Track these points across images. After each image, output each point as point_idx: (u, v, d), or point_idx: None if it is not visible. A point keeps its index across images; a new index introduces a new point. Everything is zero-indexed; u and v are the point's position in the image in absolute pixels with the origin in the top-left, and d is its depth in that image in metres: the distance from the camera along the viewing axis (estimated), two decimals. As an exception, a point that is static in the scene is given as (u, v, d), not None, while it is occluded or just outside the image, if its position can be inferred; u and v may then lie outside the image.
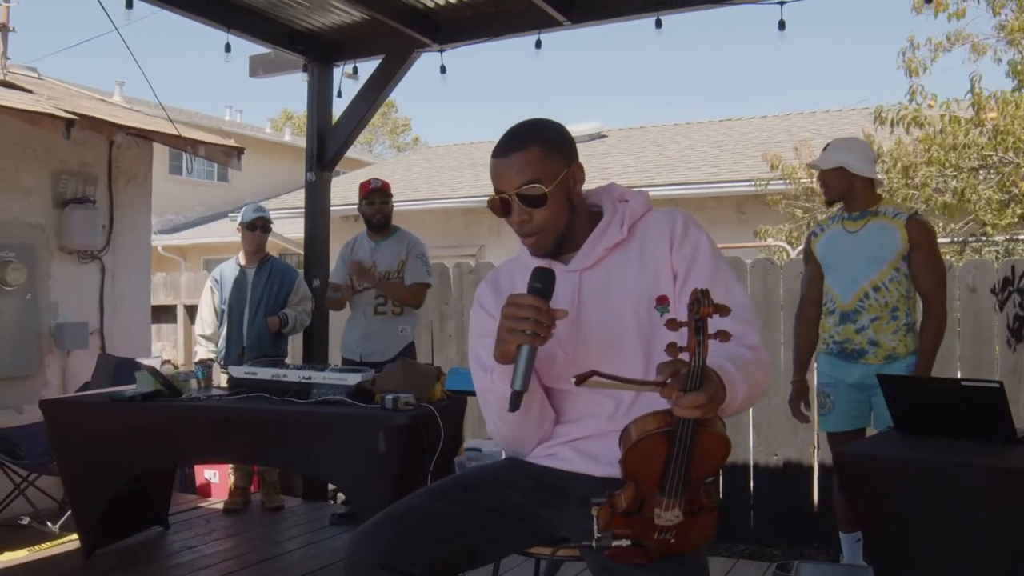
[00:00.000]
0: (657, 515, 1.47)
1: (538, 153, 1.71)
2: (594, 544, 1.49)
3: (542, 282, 1.58)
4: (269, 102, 55.64)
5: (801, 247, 7.30)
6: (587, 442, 1.74)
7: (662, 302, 1.54)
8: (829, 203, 3.41)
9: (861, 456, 2.46)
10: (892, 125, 5.99)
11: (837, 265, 3.35)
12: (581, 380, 1.44)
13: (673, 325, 1.39)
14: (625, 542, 1.48)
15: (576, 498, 1.65)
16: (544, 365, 1.75)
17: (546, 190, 1.70)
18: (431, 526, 1.70)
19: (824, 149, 3.43)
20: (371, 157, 23.81)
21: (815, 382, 3.51)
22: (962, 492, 2.20)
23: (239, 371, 3.83)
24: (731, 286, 1.69)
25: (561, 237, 1.77)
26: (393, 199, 4.68)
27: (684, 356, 1.36)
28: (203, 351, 4.92)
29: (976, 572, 2.19)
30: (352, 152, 21.79)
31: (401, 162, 16.10)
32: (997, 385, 2.44)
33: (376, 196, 4.57)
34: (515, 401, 1.53)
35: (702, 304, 1.35)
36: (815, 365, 3.57)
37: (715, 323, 1.36)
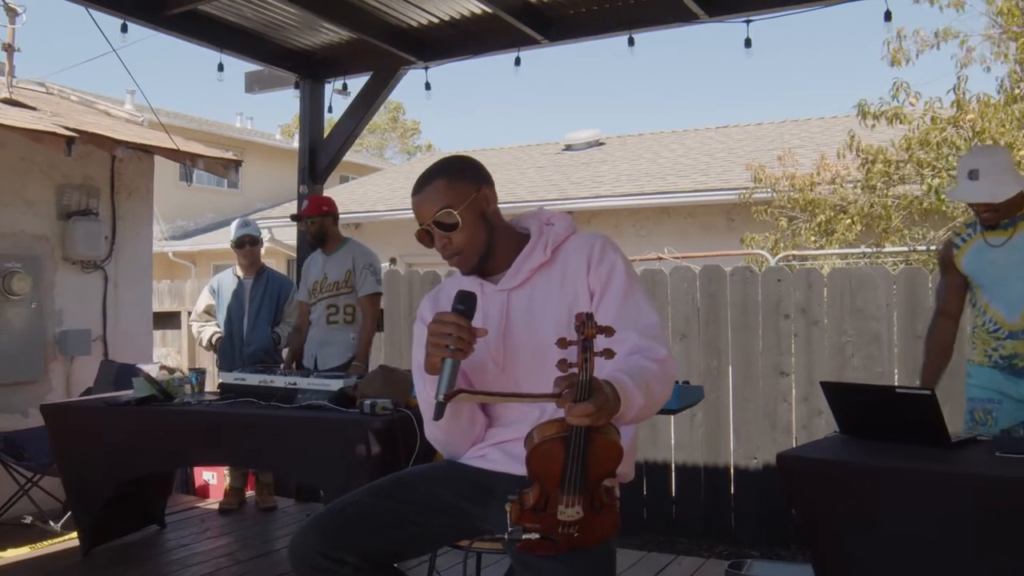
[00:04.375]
0: (560, 511, 1.63)
1: (444, 184, 1.93)
2: (507, 536, 1.66)
3: (464, 303, 1.77)
4: (279, 109, 56.05)
5: (781, 255, 7.44)
6: (513, 444, 1.90)
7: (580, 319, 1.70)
8: (994, 226, 3.16)
9: (801, 459, 2.55)
10: (875, 119, 6.10)
11: (994, 283, 3.16)
12: (448, 398, 1.64)
13: (563, 343, 1.56)
14: (534, 535, 1.65)
15: (501, 496, 1.81)
16: (476, 376, 1.94)
17: (456, 212, 1.90)
18: (367, 520, 1.88)
19: (972, 176, 3.11)
20: (380, 162, 24.02)
21: (966, 395, 3.26)
22: (894, 494, 2.30)
23: (229, 377, 4.01)
24: (642, 306, 1.86)
25: (483, 256, 1.96)
26: (327, 215, 4.74)
27: (574, 371, 1.53)
28: (209, 329, 5.12)
29: (909, 571, 2.29)
30: (360, 158, 21.98)
31: (403, 169, 16.29)
32: (929, 392, 2.53)
33: (304, 221, 4.78)
34: (439, 410, 1.71)
35: (587, 326, 1.53)
36: (967, 379, 3.32)
37: (601, 342, 1.53)
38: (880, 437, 2.60)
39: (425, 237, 1.96)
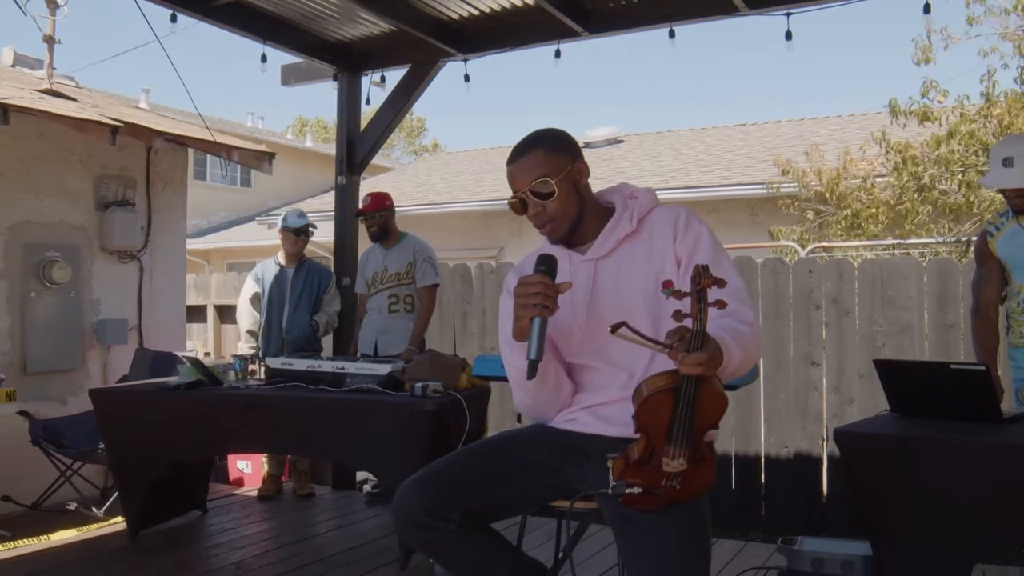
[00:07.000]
0: (665, 463, 1.69)
1: (542, 154, 2.00)
2: (610, 491, 1.72)
3: (546, 264, 1.85)
4: (287, 109, 56.09)
5: (810, 247, 7.51)
6: (603, 408, 1.98)
7: (667, 286, 1.76)
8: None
9: (857, 435, 2.60)
10: (905, 117, 6.17)
11: None
12: (614, 329, 1.68)
13: (678, 295, 1.62)
14: (637, 490, 1.71)
15: (595, 456, 1.87)
16: (564, 342, 2.01)
17: (553, 182, 1.97)
18: (466, 480, 1.95)
19: (1007, 163, 3.20)
20: (390, 162, 24.07)
21: (1010, 377, 3.36)
22: (950, 468, 2.35)
23: (276, 362, 4.06)
24: (728, 271, 1.92)
25: (574, 225, 2.03)
26: (388, 211, 4.95)
27: (687, 322, 1.59)
28: (245, 347, 5.18)
29: (963, 543, 2.34)
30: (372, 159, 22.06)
31: (422, 167, 16.35)
32: (984, 368, 2.60)
33: (369, 217, 4.94)
34: (531, 370, 1.78)
35: (703, 277, 1.59)
36: (1009, 361, 3.40)
37: (713, 293, 1.59)
38: (931, 414, 2.65)
39: (519, 205, 2.03)
